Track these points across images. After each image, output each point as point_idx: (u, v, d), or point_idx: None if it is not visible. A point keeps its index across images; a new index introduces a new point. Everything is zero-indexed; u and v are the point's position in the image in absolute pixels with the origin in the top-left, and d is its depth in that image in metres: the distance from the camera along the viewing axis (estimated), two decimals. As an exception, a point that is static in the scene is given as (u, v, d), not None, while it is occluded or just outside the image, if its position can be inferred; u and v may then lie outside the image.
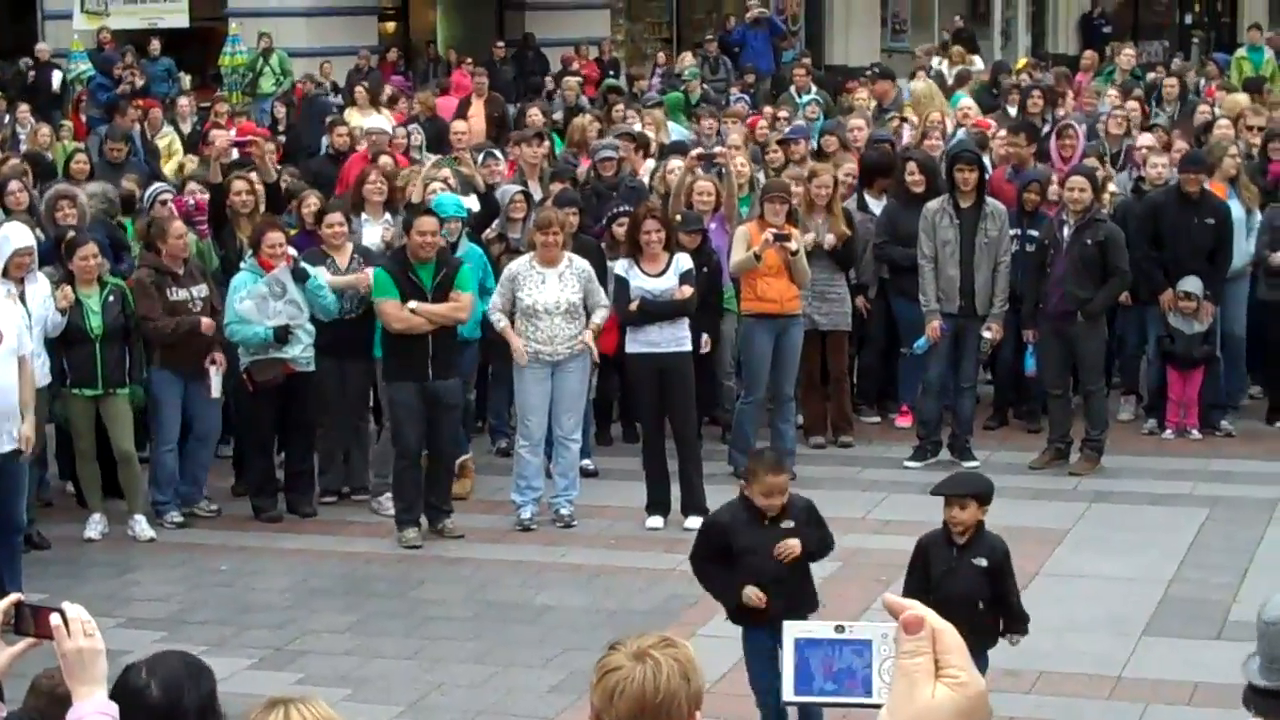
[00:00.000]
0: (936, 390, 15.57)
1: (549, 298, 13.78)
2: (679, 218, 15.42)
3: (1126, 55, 25.76)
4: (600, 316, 13.89)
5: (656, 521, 14.07)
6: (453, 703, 10.49)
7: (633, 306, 14.00)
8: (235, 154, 17.15)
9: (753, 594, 9.41)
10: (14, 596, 4.49)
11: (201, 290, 14.17)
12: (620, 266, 14.28)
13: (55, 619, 4.36)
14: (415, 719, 10.30)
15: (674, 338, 14.08)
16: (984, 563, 9.33)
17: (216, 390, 14.37)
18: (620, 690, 4.44)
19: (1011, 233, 15.55)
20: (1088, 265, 14.96)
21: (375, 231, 15.48)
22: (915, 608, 2.01)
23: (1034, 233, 15.72)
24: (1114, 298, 15.59)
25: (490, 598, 12.51)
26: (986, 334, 15.44)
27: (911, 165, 16.36)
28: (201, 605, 12.63)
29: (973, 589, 9.30)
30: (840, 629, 1.97)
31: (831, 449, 15.96)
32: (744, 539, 9.57)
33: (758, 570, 9.50)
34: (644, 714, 4.45)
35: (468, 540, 13.75)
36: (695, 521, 13.68)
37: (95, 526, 14.08)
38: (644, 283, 14.02)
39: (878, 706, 1.99)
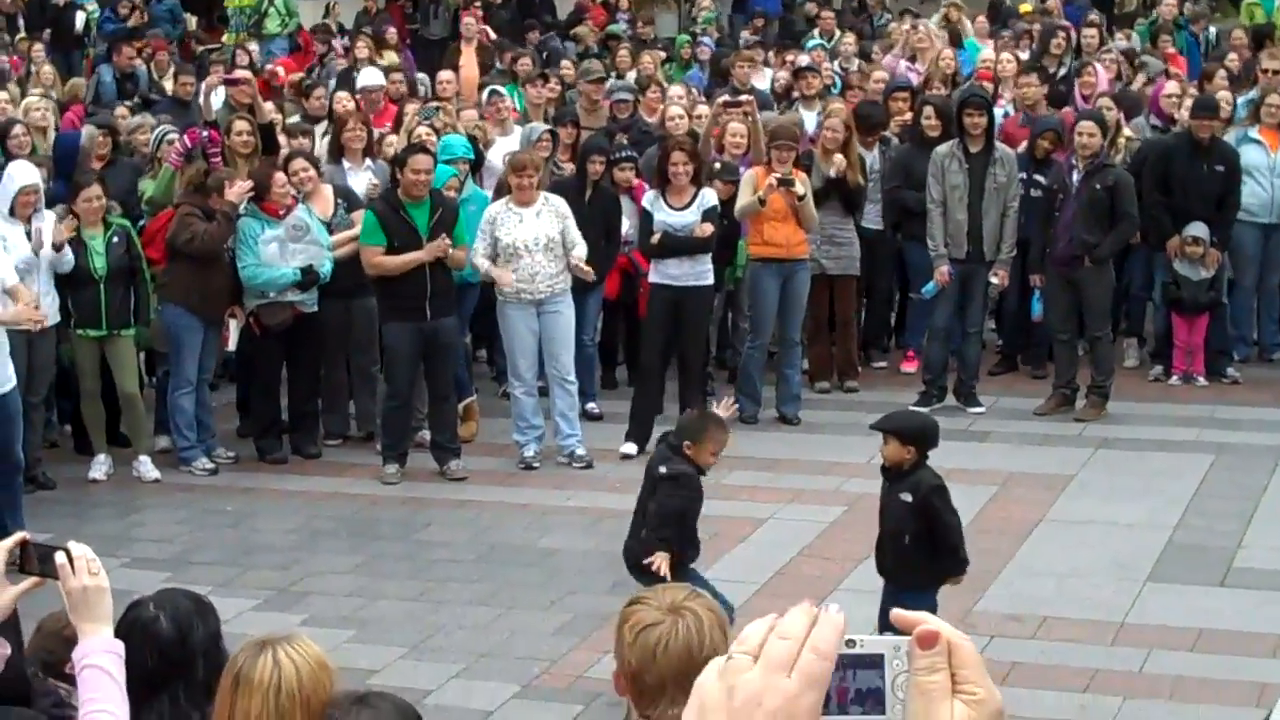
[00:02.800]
0: (943, 336, 15.55)
1: (527, 234, 13.79)
2: (716, 165, 15.43)
3: (1169, 5, 25.49)
4: (580, 251, 13.89)
5: (630, 448, 14.28)
6: (457, 644, 10.50)
7: (654, 240, 14.08)
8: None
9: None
10: (20, 535, 4.48)
11: (232, 239, 14.14)
12: (647, 199, 14.35)
13: (60, 557, 4.35)
14: (419, 660, 10.31)
15: (693, 272, 14.21)
16: (909, 498, 9.42)
17: (233, 343, 14.39)
18: (664, 646, 4.35)
19: (1019, 176, 15.50)
20: (1096, 210, 14.91)
21: (358, 179, 15.38)
22: (929, 621, 1.98)
23: (1040, 178, 15.67)
24: (1122, 243, 15.55)
25: (495, 540, 12.52)
26: (993, 279, 15.41)
27: (928, 110, 16.28)
28: (206, 546, 12.64)
29: (898, 524, 9.46)
30: (851, 643, 1.94)
31: (837, 394, 15.95)
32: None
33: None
34: (690, 670, 4.36)
35: (472, 483, 13.76)
36: None
37: (100, 467, 14.10)
38: (667, 216, 14.12)
39: None
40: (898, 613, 1.97)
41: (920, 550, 9.43)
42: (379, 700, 4.01)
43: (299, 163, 14.62)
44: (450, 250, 13.58)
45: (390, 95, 18.44)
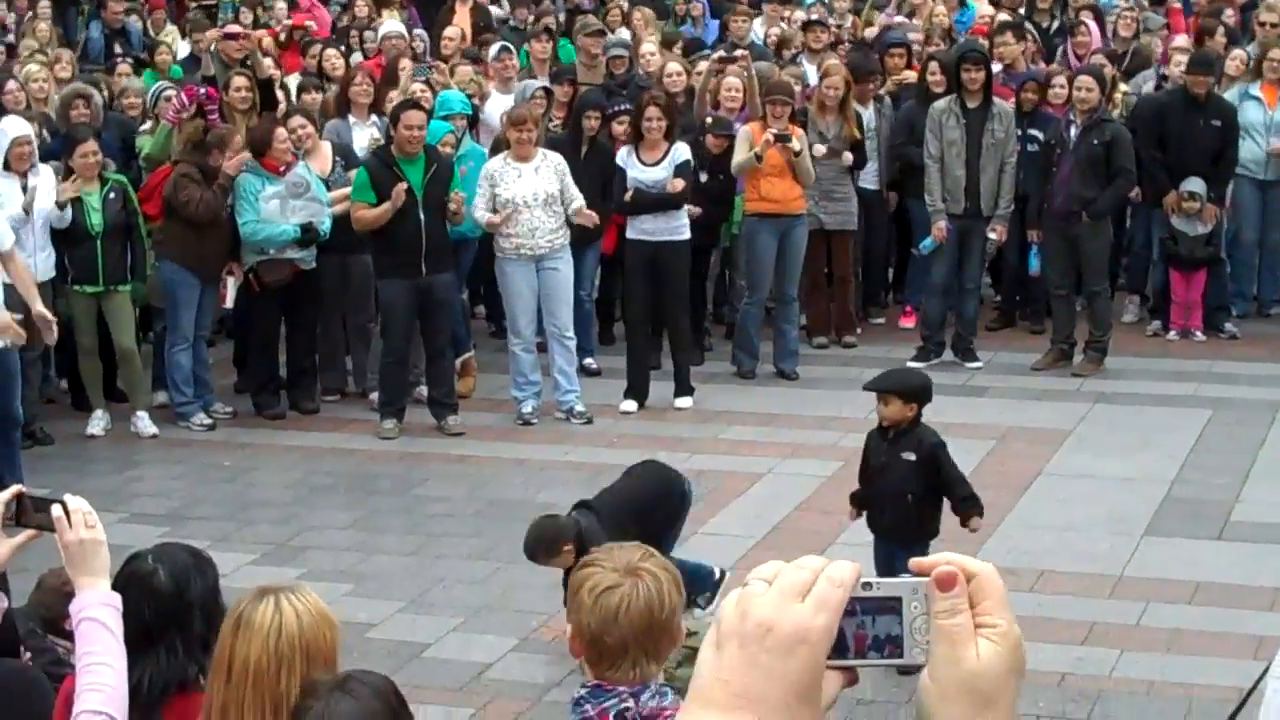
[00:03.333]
0: (941, 291, 15.54)
1: (526, 189, 13.77)
2: (708, 120, 15.42)
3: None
4: (578, 205, 13.88)
5: (630, 406, 14.34)
6: (453, 598, 10.51)
7: (626, 197, 14.09)
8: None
9: None
10: (15, 488, 4.47)
11: (231, 198, 14.12)
12: (620, 155, 14.33)
13: (56, 510, 4.34)
14: (416, 614, 10.32)
15: (669, 227, 14.20)
16: (912, 457, 9.44)
17: (231, 300, 14.39)
18: (625, 608, 4.41)
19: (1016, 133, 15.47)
20: (1093, 166, 14.89)
21: (363, 134, 15.34)
22: (947, 561, 1.96)
23: (1035, 133, 15.64)
24: (1119, 199, 15.54)
25: (492, 495, 12.52)
26: (991, 235, 15.40)
27: (933, 65, 16.25)
28: (204, 501, 12.65)
29: (901, 483, 9.46)
30: (867, 585, 1.92)
31: (835, 349, 15.96)
32: None
33: None
34: (649, 631, 4.46)
35: (470, 438, 13.77)
36: (685, 402, 13.97)
37: (97, 423, 14.10)
38: (639, 173, 14.14)
39: (915, 667, 1.94)
40: (915, 560, 1.96)
41: (922, 508, 9.44)
42: (358, 686, 4.00)
43: (298, 120, 14.59)
44: (451, 208, 13.59)
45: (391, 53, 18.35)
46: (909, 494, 9.44)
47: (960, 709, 1.91)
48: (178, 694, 4.84)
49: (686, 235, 14.31)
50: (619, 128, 15.15)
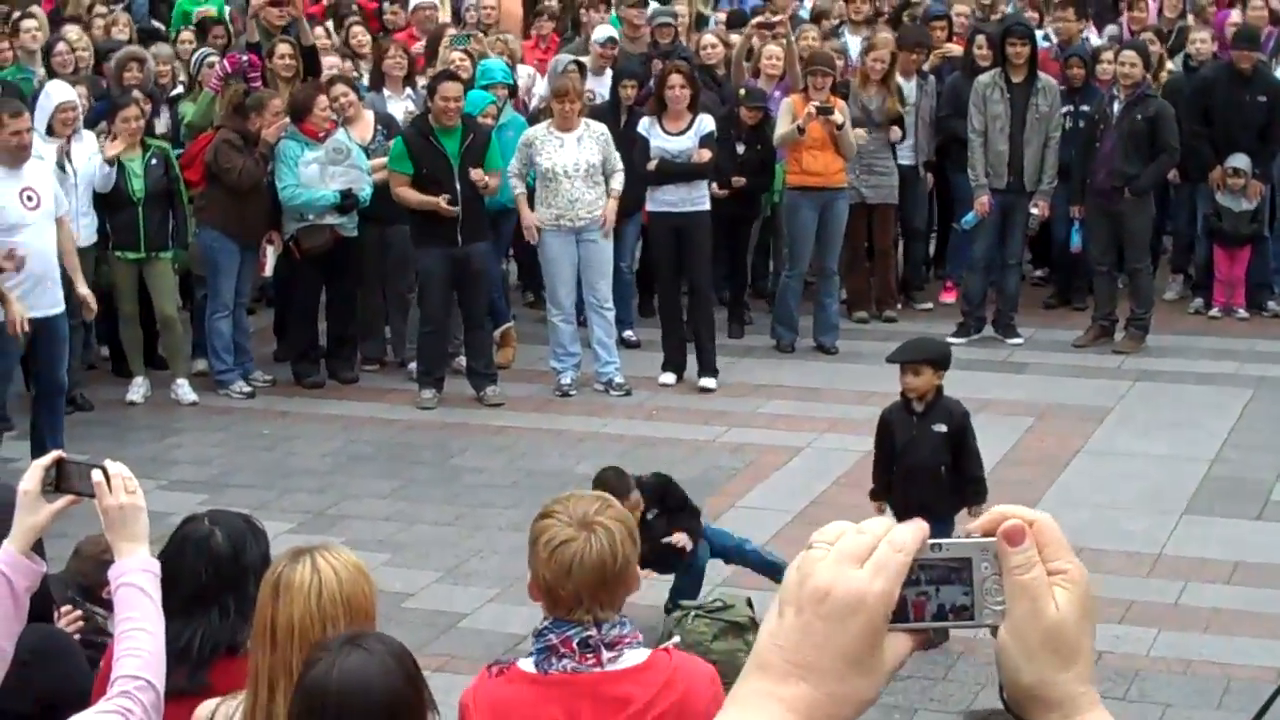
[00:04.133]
0: (982, 266, 15.49)
1: (567, 160, 13.75)
2: (742, 90, 15.36)
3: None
4: (618, 181, 13.85)
5: (669, 378, 14.35)
6: (491, 569, 10.52)
7: (650, 166, 14.03)
8: None
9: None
10: (56, 454, 4.46)
11: (271, 164, 14.13)
12: (643, 124, 14.25)
13: (97, 475, 4.34)
14: (454, 584, 10.33)
15: (691, 198, 14.15)
16: (943, 428, 9.39)
17: (270, 268, 14.42)
18: (579, 562, 4.49)
19: (1064, 109, 15.39)
20: (1137, 141, 14.81)
21: (398, 106, 15.31)
22: (1012, 515, 1.93)
23: (1085, 108, 15.56)
24: (1162, 175, 15.46)
25: (530, 466, 12.52)
26: (1034, 210, 15.34)
27: (980, 39, 16.13)
28: (243, 469, 12.68)
29: (934, 456, 9.41)
30: (935, 547, 1.89)
31: (875, 324, 15.91)
32: None
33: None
34: (603, 584, 4.52)
35: (509, 409, 13.77)
36: (709, 382, 13.93)
37: (138, 390, 14.14)
38: (664, 142, 14.08)
39: (985, 626, 1.92)
40: (972, 525, 1.94)
41: (952, 480, 9.40)
42: (373, 642, 3.99)
43: (340, 87, 14.59)
44: (478, 184, 13.56)
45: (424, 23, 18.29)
46: (942, 465, 9.38)
47: (1046, 663, 1.89)
48: (225, 656, 4.85)
49: (707, 206, 14.25)
50: (626, 91, 15.14)
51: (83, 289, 12.37)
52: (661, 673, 4.62)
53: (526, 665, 4.65)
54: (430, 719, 3.98)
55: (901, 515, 9.17)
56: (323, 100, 14.09)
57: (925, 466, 9.42)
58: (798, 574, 1.87)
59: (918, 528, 1.88)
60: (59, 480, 4.39)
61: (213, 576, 4.89)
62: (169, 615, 4.86)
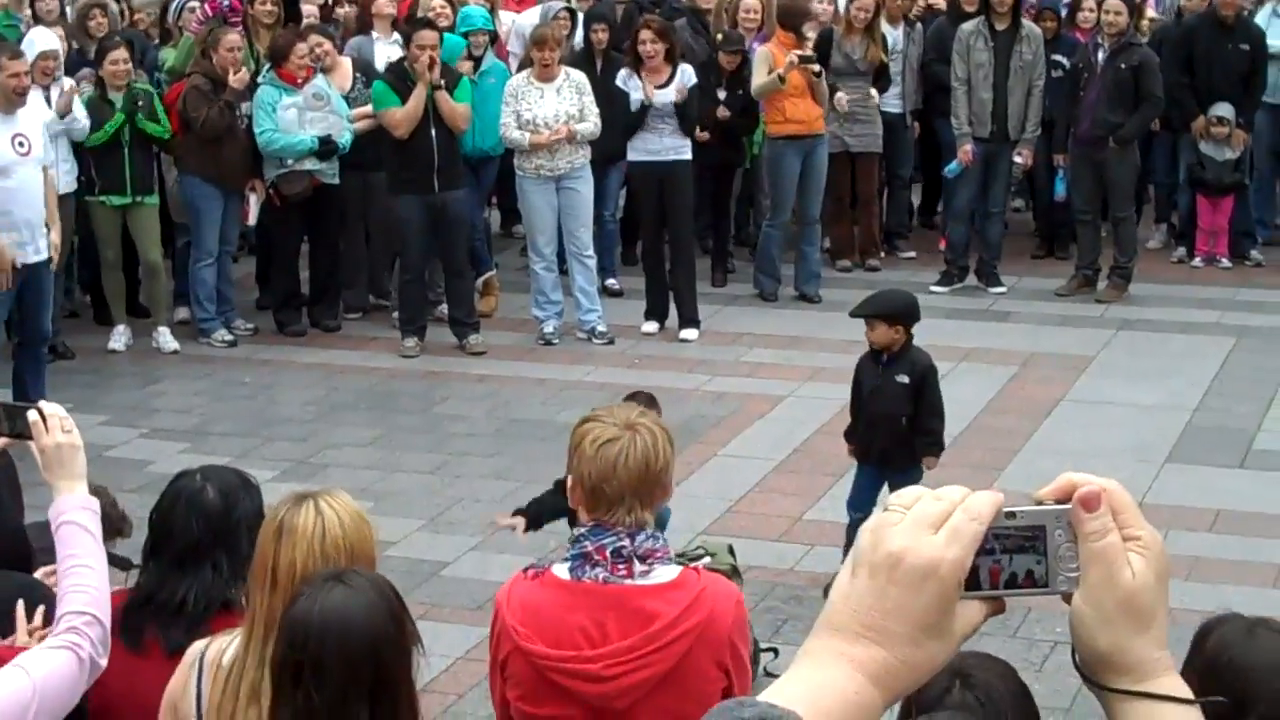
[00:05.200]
0: (965, 215, 15.48)
1: (548, 111, 13.72)
2: (720, 36, 15.35)
3: None
4: (585, 127, 13.79)
5: (651, 327, 14.39)
6: (473, 516, 10.51)
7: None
8: None
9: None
10: None
11: (247, 105, 14.05)
12: (621, 76, 14.19)
13: (33, 415, 4.35)
14: (436, 532, 10.33)
15: (674, 146, 14.11)
16: (905, 379, 9.33)
17: (254, 217, 14.38)
18: (624, 459, 4.65)
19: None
20: (1121, 90, 14.78)
21: (385, 50, 15.21)
22: (1085, 481, 1.92)
23: (1061, 58, 15.52)
24: (1146, 124, 15.43)
25: (512, 415, 12.52)
26: (1018, 159, 15.32)
27: None
28: (225, 418, 12.65)
29: (896, 406, 9.34)
30: (1010, 515, 1.89)
31: (858, 272, 15.90)
32: None
33: None
34: (646, 481, 4.68)
35: (491, 357, 13.76)
36: (691, 334, 13.94)
37: (119, 338, 14.10)
38: (642, 96, 13.97)
39: (1059, 594, 1.91)
40: (1045, 491, 1.93)
41: (912, 430, 9.36)
42: (354, 578, 3.99)
43: (316, 37, 14.52)
44: (452, 106, 13.52)
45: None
46: (902, 416, 9.33)
47: (1122, 629, 1.90)
48: (220, 613, 4.84)
49: (689, 156, 14.21)
50: (598, 36, 15.10)
51: (55, 236, 12.31)
52: (689, 591, 4.73)
53: (561, 571, 4.78)
54: (415, 655, 3.97)
55: (864, 461, 9.20)
56: (301, 47, 14.02)
57: (887, 415, 9.35)
58: (871, 537, 1.88)
59: (993, 496, 1.89)
60: None
61: (205, 532, 4.87)
62: (163, 570, 4.91)
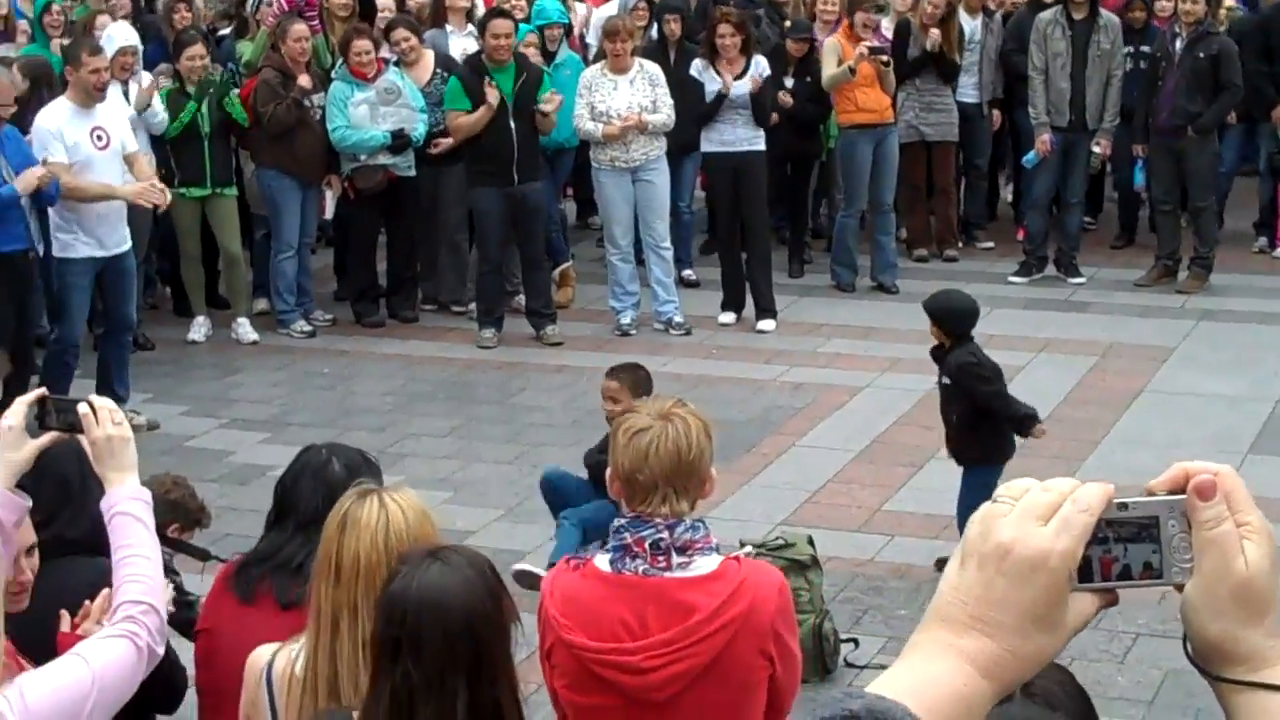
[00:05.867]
0: (1044, 205, 15.41)
1: (621, 102, 13.71)
2: (789, 24, 15.34)
3: None
4: (658, 118, 13.77)
5: (728, 318, 14.33)
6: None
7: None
8: None
9: None
10: (40, 391, 4.52)
11: (321, 97, 14.11)
12: (695, 67, 14.16)
13: (83, 408, 4.38)
14: (515, 522, 10.35)
15: (748, 137, 14.06)
16: (947, 380, 9.34)
17: (330, 211, 14.45)
18: (655, 448, 4.70)
19: (1124, 50, 15.25)
20: (1199, 79, 14.67)
21: (460, 43, 15.23)
22: (1198, 470, 1.91)
23: (1146, 49, 15.41)
24: (1226, 112, 15.31)
25: (589, 405, 12.45)
26: (1096, 149, 15.23)
27: None
28: (303, 408, 12.70)
29: (946, 406, 9.40)
30: (1123, 506, 1.87)
31: (935, 263, 15.83)
32: None
33: None
34: (679, 470, 4.71)
35: (568, 348, 13.77)
36: (768, 324, 13.89)
37: (199, 329, 14.19)
38: (718, 86, 13.94)
39: (1173, 585, 1.90)
40: (1157, 482, 1.91)
41: (968, 428, 9.29)
42: (452, 555, 4.00)
43: (400, 32, 14.53)
44: (545, 108, 13.53)
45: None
46: (953, 415, 9.35)
47: (1235, 618, 1.88)
48: None
49: (763, 146, 14.16)
50: (671, 27, 15.06)
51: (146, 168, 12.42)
52: (729, 583, 4.74)
53: (601, 563, 4.81)
54: (513, 632, 3.96)
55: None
56: (360, 44, 14.01)
57: (944, 414, 9.45)
58: (980, 527, 1.87)
59: (1104, 487, 1.87)
60: (41, 418, 4.44)
61: (327, 502, 4.92)
62: (285, 536, 5.08)
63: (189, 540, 6.87)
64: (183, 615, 5.90)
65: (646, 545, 4.72)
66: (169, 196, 12.56)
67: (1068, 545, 1.84)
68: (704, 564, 4.76)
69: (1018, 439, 9.43)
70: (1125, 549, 1.87)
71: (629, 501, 4.77)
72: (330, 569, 4.28)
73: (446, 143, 14.06)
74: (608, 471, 4.85)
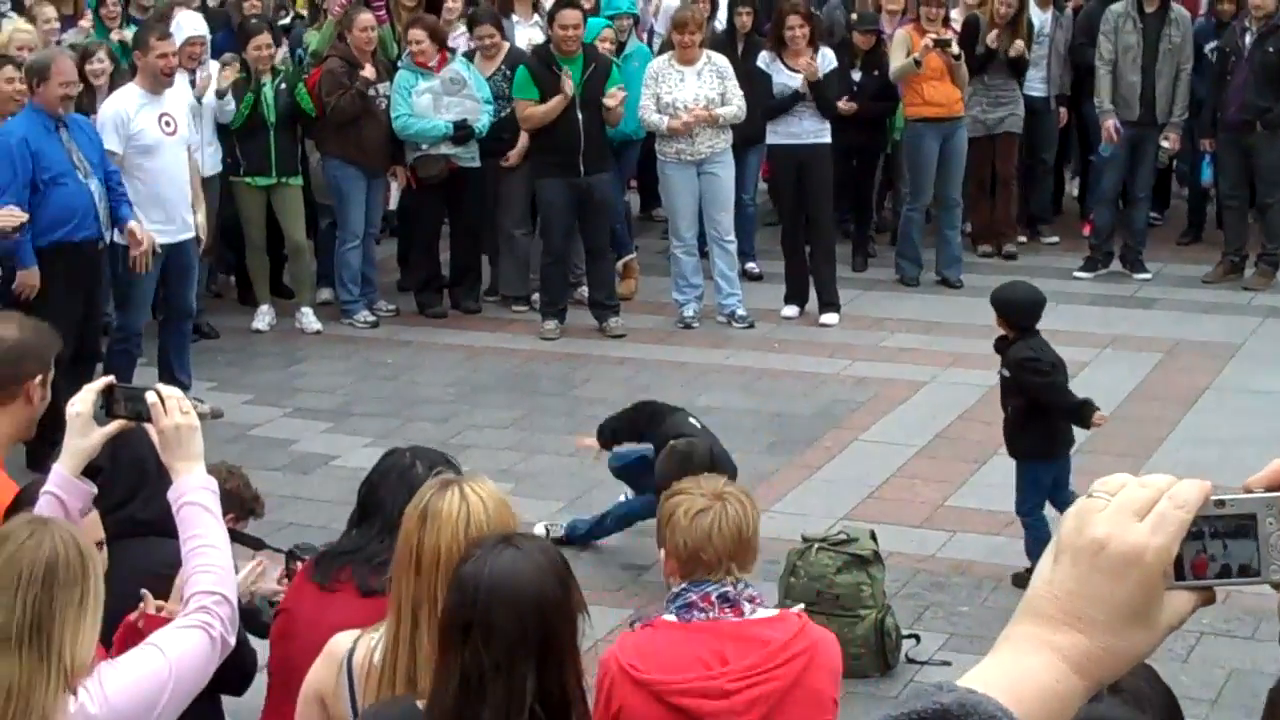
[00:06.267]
0: (1111, 199, 15.32)
1: (688, 94, 13.68)
2: (856, 16, 15.29)
3: None
4: (729, 111, 13.72)
5: (791, 311, 14.30)
6: (612, 499, 10.48)
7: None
8: None
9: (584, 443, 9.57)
10: (107, 379, 4.54)
11: (387, 87, 14.14)
12: (762, 59, 14.12)
13: (151, 397, 4.39)
14: (575, 514, 10.33)
15: (813, 130, 14.02)
16: (1006, 373, 9.32)
17: (394, 202, 14.49)
18: (718, 527, 4.89)
19: (1210, 46, 15.14)
20: (1269, 74, 14.56)
21: (526, 33, 15.23)
22: None
23: (1217, 44, 15.31)
24: (1295, 107, 15.19)
25: (652, 397, 12.47)
26: (1165, 144, 15.13)
27: None
28: (367, 398, 12.74)
29: (1005, 396, 9.40)
30: (1220, 504, 1.85)
31: (998, 259, 15.74)
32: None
33: None
34: (740, 546, 4.92)
35: (631, 340, 13.76)
36: (831, 318, 13.85)
37: (263, 318, 14.24)
38: (785, 78, 13.95)
39: (1271, 583, 1.88)
40: (1259, 477, 1.90)
41: (1025, 422, 9.27)
42: (523, 541, 4.01)
43: (485, 27, 14.50)
44: (610, 103, 13.53)
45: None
46: (1009, 408, 9.34)
47: None
48: None
49: (828, 139, 14.12)
50: (743, 19, 15.01)
51: (201, 218, 12.44)
52: (795, 623, 5.02)
53: (669, 617, 4.99)
54: (580, 622, 3.97)
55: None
56: (415, 34, 14.02)
57: (1002, 406, 9.46)
58: (1075, 522, 1.86)
59: (1201, 484, 1.86)
60: (109, 406, 4.45)
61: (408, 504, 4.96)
62: (369, 536, 5.15)
63: (243, 530, 6.90)
64: (258, 616, 5.95)
65: (714, 598, 4.94)
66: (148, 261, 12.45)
67: (1163, 542, 1.82)
68: (768, 612, 5.06)
69: (1079, 433, 9.41)
70: (1223, 546, 1.85)
71: (687, 577, 4.98)
72: (411, 561, 4.28)
73: (517, 153, 14.04)
74: (661, 551, 5.05)
